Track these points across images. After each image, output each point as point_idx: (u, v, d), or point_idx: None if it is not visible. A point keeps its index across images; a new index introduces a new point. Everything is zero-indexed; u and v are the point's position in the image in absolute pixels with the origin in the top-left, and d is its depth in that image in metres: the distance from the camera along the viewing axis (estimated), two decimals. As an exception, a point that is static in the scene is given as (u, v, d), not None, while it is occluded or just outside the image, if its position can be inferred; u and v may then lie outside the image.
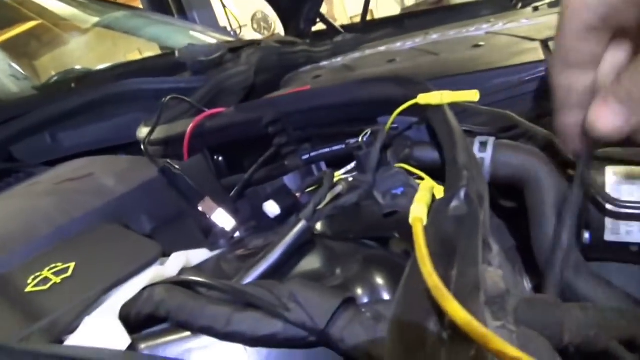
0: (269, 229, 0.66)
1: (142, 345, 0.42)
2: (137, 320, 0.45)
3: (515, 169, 0.59)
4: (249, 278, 0.48)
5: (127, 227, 0.64)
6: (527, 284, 0.66)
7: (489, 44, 1.02)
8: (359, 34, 1.93)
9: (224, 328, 0.41)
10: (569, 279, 0.54)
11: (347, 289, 0.46)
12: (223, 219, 0.67)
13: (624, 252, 0.56)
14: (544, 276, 0.54)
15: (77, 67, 1.80)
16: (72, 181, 0.75)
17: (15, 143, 1.12)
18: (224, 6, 3.31)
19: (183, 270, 0.53)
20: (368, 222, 0.56)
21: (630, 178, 0.54)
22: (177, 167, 0.69)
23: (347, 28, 2.23)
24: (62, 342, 0.43)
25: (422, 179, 0.58)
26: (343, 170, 0.68)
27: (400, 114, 0.64)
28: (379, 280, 0.47)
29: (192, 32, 2.13)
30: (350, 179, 0.63)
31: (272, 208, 0.64)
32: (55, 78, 1.63)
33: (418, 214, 0.43)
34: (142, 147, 0.79)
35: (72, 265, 0.53)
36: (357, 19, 2.53)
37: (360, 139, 0.64)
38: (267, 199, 0.65)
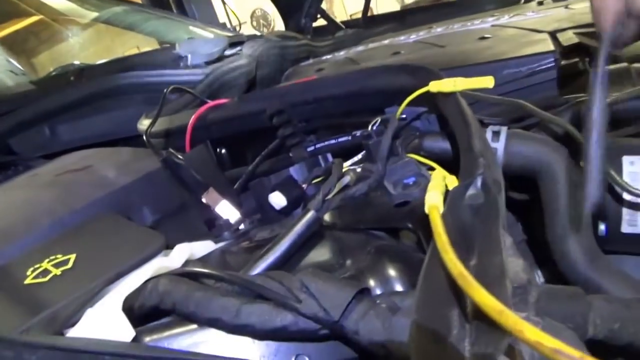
0: (274, 221, 0.65)
1: (147, 338, 0.41)
2: (140, 313, 0.44)
3: (528, 159, 0.57)
4: (257, 269, 0.47)
5: (128, 219, 0.62)
6: (539, 279, 0.65)
7: (495, 36, 1.00)
8: (361, 29, 1.91)
9: (232, 320, 0.39)
10: (585, 271, 0.52)
11: (358, 281, 0.44)
12: (227, 210, 0.65)
13: (642, 245, 0.54)
14: (559, 265, 0.53)
15: (76, 62, 1.78)
16: (72, 173, 0.74)
17: (14, 136, 1.11)
18: (224, 3, 3.29)
19: (187, 262, 0.51)
20: (378, 213, 0.54)
21: (648, 168, 0.53)
22: (180, 157, 0.67)
23: (348, 24, 2.21)
24: (63, 334, 0.41)
25: (432, 169, 0.57)
26: (350, 162, 0.67)
27: (408, 104, 0.63)
28: (392, 272, 0.45)
29: (191, 27, 2.11)
30: (358, 170, 0.61)
31: (278, 199, 0.62)
32: (54, 72, 1.61)
33: (434, 201, 0.41)
34: (145, 137, 0.77)
35: (73, 256, 0.51)
36: (357, 17, 2.51)
37: (369, 128, 0.63)
38: (272, 191, 0.63)
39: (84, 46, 2.29)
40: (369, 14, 2.27)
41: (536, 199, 0.60)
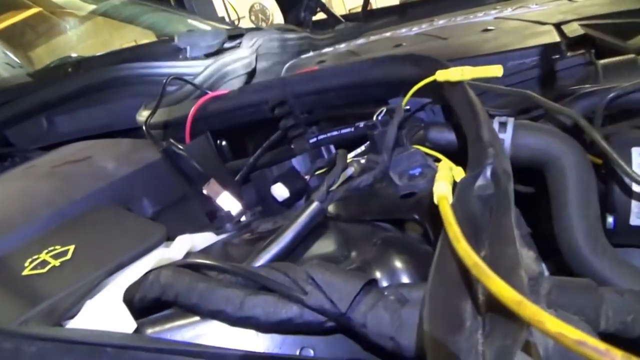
0: (276, 213, 0.64)
1: (149, 330, 0.39)
2: (141, 305, 0.42)
3: (536, 150, 0.56)
4: (261, 261, 0.46)
5: (128, 211, 0.61)
6: (545, 272, 0.64)
7: (499, 28, 0.99)
8: (361, 23, 1.90)
9: (236, 312, 0.38)
10: (593, 264, 0.51)
11: (365, 273, 0.43)
12: (229, 202, 0.64)
13: (651, 238, 0.53)
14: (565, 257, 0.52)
15: (73, 55, 1.76)
16: (70, 164, 0.72)
17: (10, 127, 1.09)
18: (222, -4, 3.27)
19: (188, 254, 0.50)
20: (384, 204, 0.53)
21: (658, 159, 0.52)
22: (181, 148, 0.66)
23: (348, 17, 2.20)
24: (62, 326, 0.40)
25: (438, 160, 0.56)
26: (353, 153, 0.66)
27: (413, 94, 0.62)
28: (398, 264, 0.44)
29: (189, 21, 2.09)
30: (362, 161, 0.60)
31: (280, 191, 0.61)
32: (52, 65, 1.59)
33: (443, 192, 0.40)
34: (144, 128, 0.76)
35: (72, 248, 0.50)
36: (356, 11, 2.50)
37: (375, 118, 0.61)
38: (275, 182, 0.62)
39: (81, 39, 2.27)
40: (368, 8, 2.25)
41: (541, 191, 0.59)
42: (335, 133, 0.72)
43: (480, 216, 0.39)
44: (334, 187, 0.51)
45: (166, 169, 0.68)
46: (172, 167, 0.67)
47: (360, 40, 1.35)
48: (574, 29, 0.82)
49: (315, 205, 0.50)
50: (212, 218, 0.66)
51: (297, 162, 0.70)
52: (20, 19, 2.10)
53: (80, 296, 0.42)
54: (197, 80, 1.07)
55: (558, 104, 0.58)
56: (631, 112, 0.60)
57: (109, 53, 1.63)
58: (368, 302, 0.36)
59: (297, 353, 0.39)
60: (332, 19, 2.18)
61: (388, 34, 1.31)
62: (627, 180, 0.52)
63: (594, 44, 0.78)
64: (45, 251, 0.50)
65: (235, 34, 1.50)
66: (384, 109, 0.62)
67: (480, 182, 0.41)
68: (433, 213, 0.46)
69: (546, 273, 0.65)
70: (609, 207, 0.54)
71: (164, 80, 0.86)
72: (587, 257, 0.51)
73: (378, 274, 0.44)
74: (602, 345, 0.21)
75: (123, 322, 0.38)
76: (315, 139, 0.73)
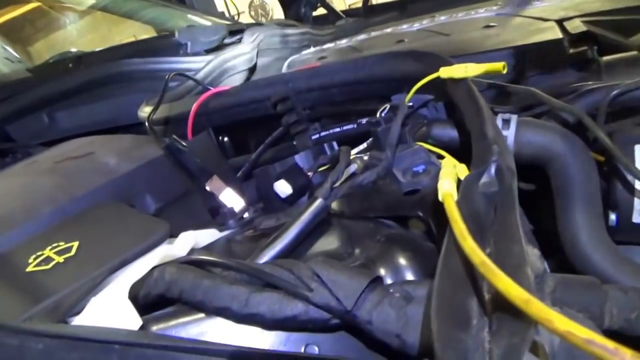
0: (278, 210, 0.64)
1: (154, 327, 0.39)
2: (145, 302, 0.43)
3: (539, 148, 0.56)
4: (265, 258, 0.46)
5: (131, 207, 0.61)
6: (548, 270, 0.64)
7: (501, 24, 0.99)
8: (362, 18, 1.89)
9: (241, 309, 0.38)
10: (595, 262, 0.51)
11: (369, 270, 0.43)
12: (232, 198, 0.64)
13: (654, 236, 0.53)
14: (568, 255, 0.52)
15: (73, 50, 1.76)
16: (72, 160, 0.72)
17: (11, 122, 1.09)
18: (222, -9, 3.26)
19: (192, 251, 0.50)
20: (387, 201, 0.53)
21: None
22: (183, 144, 0.66)
23: (348, 13, 2.19)
24: (66, 323, 0.40)
25: (441, 157, 0.56)
26: (356, 150, 0.66)
27: (416, 91, 0.61)
28: (402, 261, 0.45)
29: (189, 16, 2.09)
30: (365, 158, 0.60)
31: (283, 187, 0.61)
32: (51, 60, 1.58)
33: (448, 189, 0.40)
34: (147, 124, 0.76)
35: (76, 244, 0.50)
36: (356, 7, 2.49)
37: (378, 114, 0.61)
38: (278, 179, 0.62)
39: (81, 34, 2.26)
40: (368, 3, 2.25)
41: (542, 188, 0.59)
42: (337, 130, 0.72)
43: (484, 214, 0.39)
44: (337, 184, 0.51)
45: (169, 165, 0.68)
46: (174, 164, 0.67)
47: (362, 36, 1.35)
48: (576, 26, 0.82)
49: (318, 202, 0.50)
50: (215, 214, 0.66)
51: (299, 159, 0.70)
52: (19, 14, 2.09)
53: (85, 293, 0.42)
54: (199, 76, 1.07)
55: (561, 101, 0.58)
56: (634, 110, 0.59)
57: (109, 48, 1.63)
58: (374, 300, 0.36)
59: (302, 350, 0.39)
60: (333, 14, 2.17)
61: (389, 30, 1.30)
62: (630, 177, 0.52)
63: (597, 40, 0.78)
64: (49, 247, 0.50)
65: (236, 30, 1.49)
66: (388, 106, 0.62)
67: (484, 179, 0.41)
68: (436, 210, 0.46)
69: (548, 271, 0.65)
70: (611, 204, 0.54)
71: (167, 77, 0.85)
72: (590, 254, 0.51)
73: (382, 271, 0.44)
74: (611, 344, 0.21)
75: (128, 319, 0.38)
76: (317, 136, 0.73)
